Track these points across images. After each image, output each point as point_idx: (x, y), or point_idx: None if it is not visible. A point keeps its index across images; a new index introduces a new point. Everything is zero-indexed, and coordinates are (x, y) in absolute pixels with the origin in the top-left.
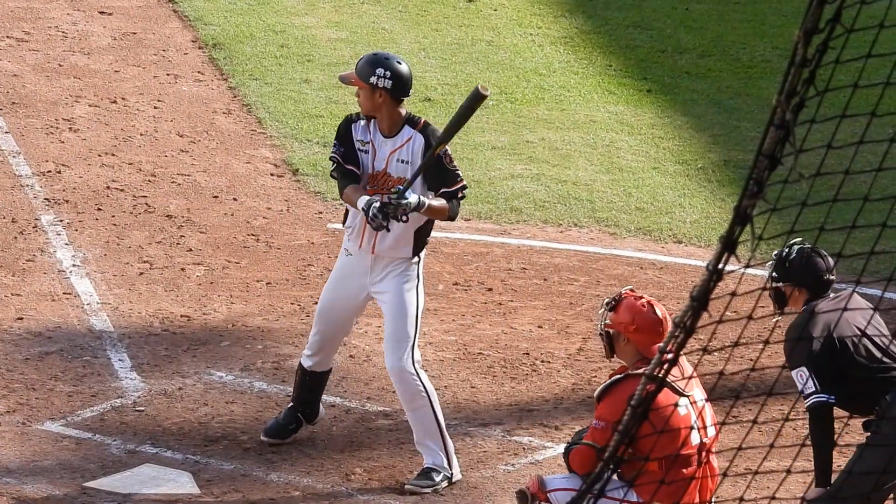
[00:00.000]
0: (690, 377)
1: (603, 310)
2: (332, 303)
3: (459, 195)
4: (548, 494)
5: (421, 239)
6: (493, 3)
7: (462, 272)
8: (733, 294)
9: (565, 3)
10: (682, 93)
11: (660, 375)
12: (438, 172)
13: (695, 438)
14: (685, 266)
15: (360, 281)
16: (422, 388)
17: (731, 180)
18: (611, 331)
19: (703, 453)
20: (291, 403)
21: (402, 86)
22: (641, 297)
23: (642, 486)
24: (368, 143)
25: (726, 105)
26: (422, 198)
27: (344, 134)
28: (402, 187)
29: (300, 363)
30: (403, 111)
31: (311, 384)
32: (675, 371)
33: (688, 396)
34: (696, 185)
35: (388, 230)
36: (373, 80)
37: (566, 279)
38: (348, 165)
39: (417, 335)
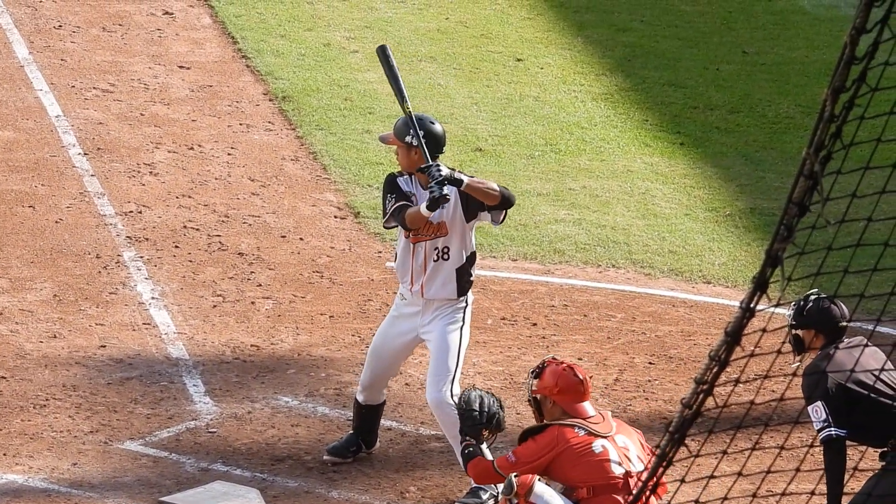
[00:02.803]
0: (616, 426)
1: (528, 378)
2: (383, 342)
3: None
4: (528, 501)
5: (463, 279)
6: (539, 62)
7: (509, 308)
8: (763, 330)
9: (606, 62)
10: (712, 146)
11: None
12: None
13: (617, 469)
14: (714, 305)
15: (411, 323)
16: None
17: (757, 226)
18: (538, 396)
19: (633, 483)
20: (352, 430)
21: (435, 144)
22: (563, 363)
23: None
24: (413, 195)
25: (753, 157)
26: (456, 172)
27: (394, 184)
28: (425, 166)
29: (355, 397)
30: None
31: (366, 415)
32: (598, 420)
33: (606, 437)
34: (724, 230)
35: (449, 198)
36: (408, 139)
37: (604, 315)
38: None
39: (458, 371)
